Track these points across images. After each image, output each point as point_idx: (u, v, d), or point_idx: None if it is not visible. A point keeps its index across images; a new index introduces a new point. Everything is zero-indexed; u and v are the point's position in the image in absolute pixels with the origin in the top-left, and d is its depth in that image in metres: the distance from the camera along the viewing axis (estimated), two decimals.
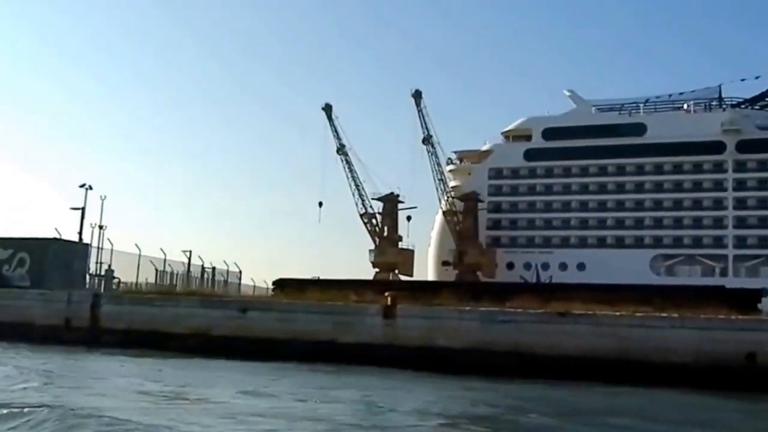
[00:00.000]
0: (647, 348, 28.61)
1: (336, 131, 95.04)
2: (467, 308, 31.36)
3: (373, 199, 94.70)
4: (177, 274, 44.85)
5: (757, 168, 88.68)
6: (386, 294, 32.67)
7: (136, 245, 40.13)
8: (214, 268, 45.08)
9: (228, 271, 45.96)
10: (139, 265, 39.70)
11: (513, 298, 33.23)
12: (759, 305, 36.34)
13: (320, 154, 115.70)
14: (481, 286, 39.88)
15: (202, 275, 44.07)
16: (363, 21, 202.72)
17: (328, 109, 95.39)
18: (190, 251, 46.55)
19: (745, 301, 35.19)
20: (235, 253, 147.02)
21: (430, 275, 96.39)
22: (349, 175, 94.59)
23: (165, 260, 41.49)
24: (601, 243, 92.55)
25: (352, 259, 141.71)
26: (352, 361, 31.71)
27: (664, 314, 28.83)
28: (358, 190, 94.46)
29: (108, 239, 41.81)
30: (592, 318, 29.64)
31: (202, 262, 44.06)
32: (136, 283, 40.01)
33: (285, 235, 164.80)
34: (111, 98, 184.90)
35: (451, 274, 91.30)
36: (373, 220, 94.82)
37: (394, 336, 31.77)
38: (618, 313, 29.30)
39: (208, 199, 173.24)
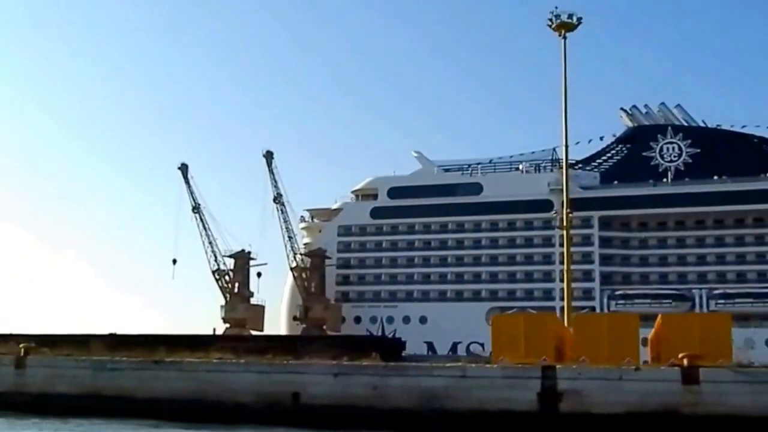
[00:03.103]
0: (221, 390, 32.22)
1: (191, 190, 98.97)
2: (83, 357, 34.82)
3: (225, 256, 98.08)
4: None
5: (581, 225, 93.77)
6: (20, 345, 35.89)
7: None
8: None
9: None
10: None
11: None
12: (403, 352, 40.48)
13: (175, 212, 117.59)
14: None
15: None
16: (217, 82, 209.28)
17: (184, 168, 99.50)
18: None
19: (392, 349, 39.23)
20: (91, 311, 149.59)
21: (283, 330, 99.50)
22: (203, 233, 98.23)
23: None
24: (443, 297, 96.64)
25: (205, 315, 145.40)
26: None
27: (234, 360, 32.51)
28: (212, 247, 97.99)
29: None
30: (179, 364, 33.23)
31: None
32: None
33: (140, 291, 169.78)
34: None
35: (300, 329, 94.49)
36: (226, 277, 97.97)
37: (24, 384, 35.01)
38: (199, 360, 32.91)
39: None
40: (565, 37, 56.11)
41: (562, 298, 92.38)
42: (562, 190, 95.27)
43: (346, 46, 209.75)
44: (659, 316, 31.63)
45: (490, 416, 27.66)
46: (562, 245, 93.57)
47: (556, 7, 57.60)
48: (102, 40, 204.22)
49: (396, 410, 29.19)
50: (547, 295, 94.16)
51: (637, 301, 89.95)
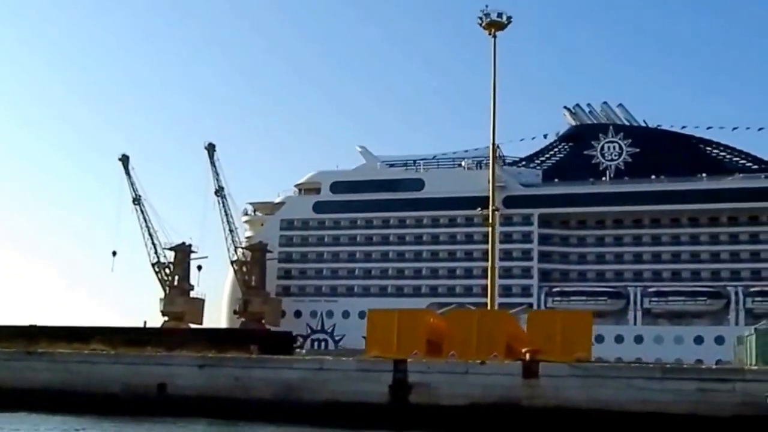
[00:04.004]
0: (91, 381, 32.08)
1: (132, 182, 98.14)
2: None
3: (165, 248, 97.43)
4: None
5: (521, 222, 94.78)
6: None
7: None
8: None
9: None
10: None
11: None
12: (294, 345, 40.61)
13: (116, 204, 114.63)
14: None
15: None
16: (160, 73, 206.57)
17: (125, 160, 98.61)
18: None
19: (283, 342, 39.34)
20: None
21: (223, 323, 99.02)
22: (144, 225, 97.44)
23: None
24: (383, 292, 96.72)
25: (145, 307, 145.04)
26: None
27: (104, 351, 32.42)
28: (152, 239, 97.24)
29: None
30: (51, 355, 33.05)
31: None
32: None
33: (83, 283, 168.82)
34: None
35: (239, 323, 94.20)
36: (166, 270, 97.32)
37: None
38: (69, 351, 32.78)
39: None
40: (495, 36, 56.72)
41: (500, 295, 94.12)
42: (502, 187, 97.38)
43: (293, 39, 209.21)
44: (528, 314, 32.11)
45: (344, 407, 27.92)
46: (501, 242, 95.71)
47: (487, 6, 58.26)
48: (46, 29, 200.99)
49: (257, 401, 29.35)
50: (486, 291, 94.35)
51: (573, 298, 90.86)
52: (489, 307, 56.39)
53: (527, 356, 26.09)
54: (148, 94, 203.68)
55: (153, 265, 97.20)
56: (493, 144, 60.21)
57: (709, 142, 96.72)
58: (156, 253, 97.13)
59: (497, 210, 60.93)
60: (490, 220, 60.00)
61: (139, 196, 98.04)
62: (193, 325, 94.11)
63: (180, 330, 67.55)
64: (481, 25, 56.93)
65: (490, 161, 61.62)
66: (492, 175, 60.77)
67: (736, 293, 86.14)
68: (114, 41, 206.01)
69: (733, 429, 23.27)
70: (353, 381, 27.84)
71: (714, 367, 27.49)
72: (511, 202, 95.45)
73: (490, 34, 56.79)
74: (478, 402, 25.91)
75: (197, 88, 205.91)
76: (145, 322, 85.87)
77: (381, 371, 27.47)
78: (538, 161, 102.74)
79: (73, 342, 35.51)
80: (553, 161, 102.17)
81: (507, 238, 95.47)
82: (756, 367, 26.70)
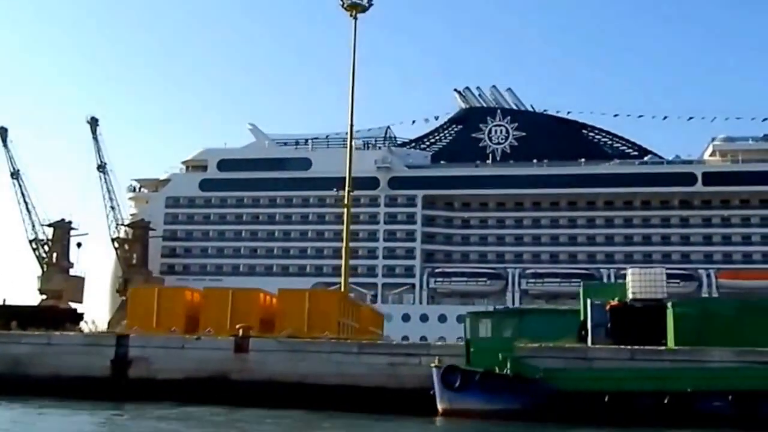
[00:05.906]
0: None
1: (10, 156, 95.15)
2: None
3: (44, 225, 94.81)
4: None
5: (406, 203, 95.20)
6: None
7: None
8: None
9: None
10: None
11: None
12: (82, 322, 40.00)
13: None
14: None
15: None
16: (42, 44, 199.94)
17: (2, 132, 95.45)
18: None
19: (74, 317, 38.49)
20: None
21: (107, 302, 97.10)
22: (22, 200, 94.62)
23: None
24: (269, 271, 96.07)
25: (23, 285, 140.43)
26: None
27: None
28: (30, 215, 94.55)
29: None
30: None
31: None
32: None
33: None
34: None
35: (120, 301, 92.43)
36: (44, 247, 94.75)
37: None
38: None
39: None
40: (356, 18, 56.38)
41: (384, 275, 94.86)
42: (387, 168, 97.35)
43: (178, 15, 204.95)
44: (278, 291, 32.32)
45: (70, 381, 27.40)
46: (386, 222, 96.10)
47: None
48: None
49: None
50: (371, 271, 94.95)
51: (454, 279, 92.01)
52: (343, 287, 56.80)
53: (240, 332, 26.03)
54: (29, 65, 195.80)
55: (30, 241, 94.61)
56: (351, 126, 60.61)
57: (591, 128, 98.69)
58: (34, 229, 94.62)
59: (352, 191, 61.23)
60: (346, 201, 60.58)
61: (18, 170, 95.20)
62: (73, 304, 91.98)
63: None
64: (342, 6, 56.63)
65: (349, 141, 61.65)
66: (350, 154, 61.08)
67: (609, 275, 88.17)
68: None
69: (417, 399, 23.65)
70: (79, 355, 27.39)
71: (404, 343, 27.97)
72: (396, 183, 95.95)
73: (351, 15, 56.61)
74: (192, 376, 25.73)
75: (82, 60, 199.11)
76: (4, 300, 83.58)
77: (104, 346, 27.13)
78: (428, 143, 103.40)
79: None
80: (442, 144, 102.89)
81: (391, 218, 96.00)
82: (440, 343, 27.28)
